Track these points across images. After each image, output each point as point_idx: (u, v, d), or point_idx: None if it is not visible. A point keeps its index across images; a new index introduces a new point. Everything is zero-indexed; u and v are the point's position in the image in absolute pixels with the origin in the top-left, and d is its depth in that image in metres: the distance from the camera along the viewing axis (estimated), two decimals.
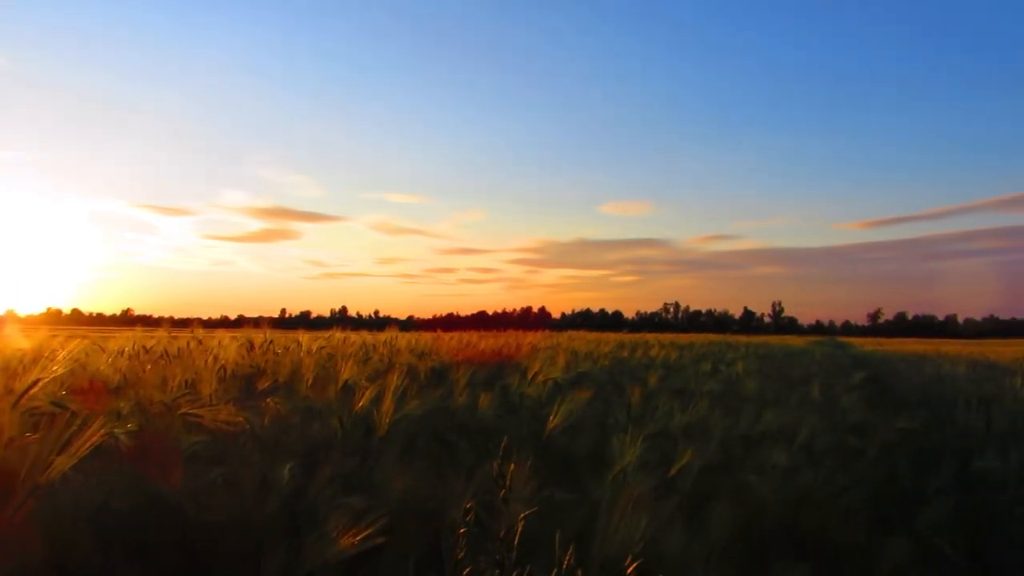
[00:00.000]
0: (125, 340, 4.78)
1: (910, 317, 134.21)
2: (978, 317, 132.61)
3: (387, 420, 2.40)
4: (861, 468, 3.11)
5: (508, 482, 1.28)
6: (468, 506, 1.28)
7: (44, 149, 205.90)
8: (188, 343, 4.92)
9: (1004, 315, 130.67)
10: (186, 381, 3.16)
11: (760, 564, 1.92)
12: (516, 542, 1.20)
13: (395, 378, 2.66)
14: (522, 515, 1.22)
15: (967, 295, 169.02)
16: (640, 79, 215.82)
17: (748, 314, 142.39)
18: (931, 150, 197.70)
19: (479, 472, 1.93)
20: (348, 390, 2.87)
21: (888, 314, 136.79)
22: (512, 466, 1.51)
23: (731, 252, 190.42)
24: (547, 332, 13.96)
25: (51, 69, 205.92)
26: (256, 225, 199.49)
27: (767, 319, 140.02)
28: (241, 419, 2.42)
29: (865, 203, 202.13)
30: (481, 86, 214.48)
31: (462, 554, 1.21)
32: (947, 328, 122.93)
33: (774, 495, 2.34)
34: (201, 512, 1.69)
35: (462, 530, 1.23)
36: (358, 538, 1.22)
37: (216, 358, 3.84)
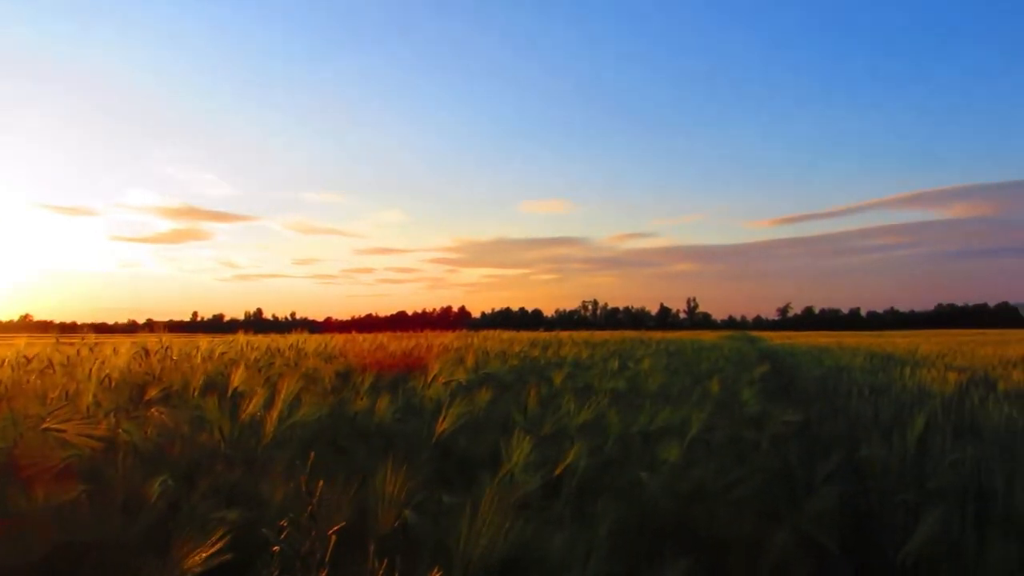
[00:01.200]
0: (9, 349, 4.51)
1: (817, 311, 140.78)
2: (879, 310, 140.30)
3: (274, 427, 2.33)
4: (755, 460, 3.20)
5: (316, 497, 1.24)
6: (282, 524, 1.24)
7: None
8: (78, 351, 4.68)
9: (903, 307, 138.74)
10: (67, 392, 3.00)
11: (645, 560, 1.94)
12: (327, 558, 1.18)
13: (289, 383, 2.59)
14: (331, 531, 1.20)
15: (869, 289, 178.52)
16: (555, 80, 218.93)
17: (664, 310, 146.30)
18: (833, 151, 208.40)
19: (373, 479, 1.88)
20: (239, 397, 2.78)
21: (797, 308, 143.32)
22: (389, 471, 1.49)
23: (647, 250, 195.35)
24: (463, 332, 13.92)
25: None
26: (165, 225, 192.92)
27: (682, 315, 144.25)
28: (119, 431, 2.30)
29: (773, 202, 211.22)
30: (399, 85, 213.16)
31: (277, 572, 1.18)
32: (851, 321, 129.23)
33: (664, 490, 2.37)
34: (62, 531, 1.60)
35: (275, 548, 1.19)
36: (206, 554, 1.17)
37: (104, 366, 3.66)
